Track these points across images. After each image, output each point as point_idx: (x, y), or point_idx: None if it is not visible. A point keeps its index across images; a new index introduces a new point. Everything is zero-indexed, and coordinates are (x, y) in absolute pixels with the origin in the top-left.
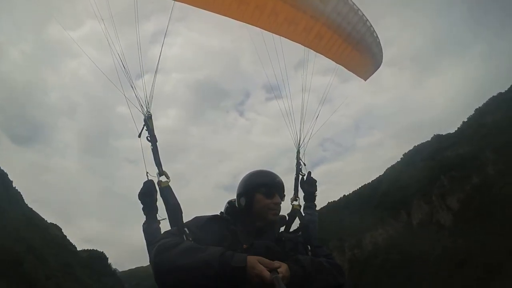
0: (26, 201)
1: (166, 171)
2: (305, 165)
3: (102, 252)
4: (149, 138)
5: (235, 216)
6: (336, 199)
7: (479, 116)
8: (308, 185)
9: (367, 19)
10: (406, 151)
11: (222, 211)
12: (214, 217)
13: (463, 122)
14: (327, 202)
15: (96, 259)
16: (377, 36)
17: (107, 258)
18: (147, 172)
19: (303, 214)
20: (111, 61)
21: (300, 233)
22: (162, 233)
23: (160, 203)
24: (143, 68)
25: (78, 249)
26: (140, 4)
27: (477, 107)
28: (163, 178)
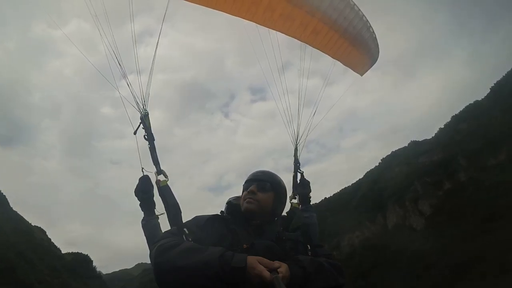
0: (11, 205)
1: (164, 170)
2: (299, 164)
3: (87, 255)
4: (146, 136)
5: (235, 215)
6: (318, 201)
7: (455, 123)
8: (302, 187)
9: (364, 15)
10: (384, 156)
11: (223, 210)
12: (214, 216)
13: (440, 128)
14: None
15: (81, 262)
16: (373, 31)
17: (92, 261)
18: (142, 168)
19: (303, 218)
20: (99, 60)
21: (299, 231)
22: (162, 232)
23: (157, 199)
24: (138, 65)
25: (63, 252)
26: (123, 5)
27: (454, 114)
28: (161, 177)
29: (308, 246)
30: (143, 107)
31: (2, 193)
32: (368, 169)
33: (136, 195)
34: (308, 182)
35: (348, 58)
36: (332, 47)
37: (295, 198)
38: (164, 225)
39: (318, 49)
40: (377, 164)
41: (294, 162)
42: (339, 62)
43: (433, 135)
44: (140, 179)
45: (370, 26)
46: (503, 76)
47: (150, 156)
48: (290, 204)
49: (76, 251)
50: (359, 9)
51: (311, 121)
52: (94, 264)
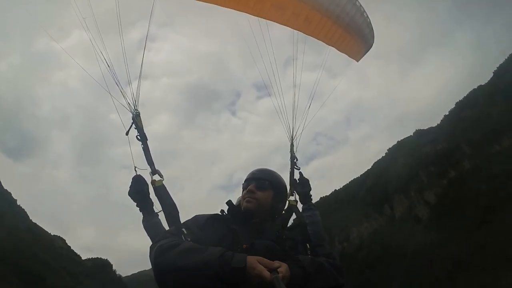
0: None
1: (159, 169)
2: (297, 160)
3: (106, 259)
4: (138, 137)
5: (236, 215)
6: (327, 194)
7: (459, 110)
8: (302, 186)
9: (357, 0)
10: (390, 146)
11: (223, 209)
12: (214, 216)
13: (444, 115)
14: (319, 197)
15: (101, 267)
16: (367, 16)
17: (112, 265)
18: (135, 167)
19: (304, 216)
20: (97, 68)
21: (297, 230)
22: (162, 233)
23: (153, 197)
24: (127, 63)
25: (82, 258)
26: (123, 11)
27: (458, 101)
28: (156, 177)
29: (307, 245)
30: (134, 107)
31: (21, 207)
32: (376, 160)
33: (130, 197)
34: (307, 180)
35: (342, 45)
36: (326, 34)
37: (292, 195)
38: (164, 224)
39: (312, 36)
40: (384, 155)
41: (291, 158)
42: (334, 49)
43: (439, 122)
44: (133, 178)
45: (364, 11)
46: (505, 59)
47: (144, 157)
48: (287, 202)
49: (95, 257)
50: None
51: (307, 114)
52: (113, 268)
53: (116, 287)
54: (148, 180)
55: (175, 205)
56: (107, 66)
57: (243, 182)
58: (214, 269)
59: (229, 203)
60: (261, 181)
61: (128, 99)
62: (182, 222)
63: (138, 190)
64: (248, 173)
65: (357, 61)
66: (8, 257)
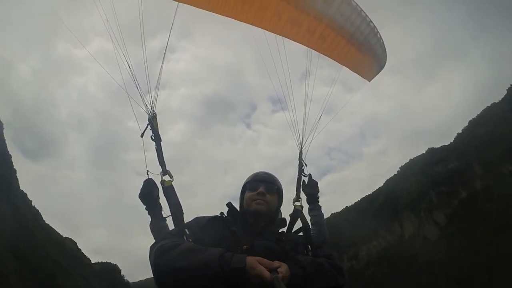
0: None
1: (169, 170)
2: (306, 165)
3: (115, 264)
4: (153, 137)
5: (236, 216)
6: (338, 211)
7: (472, 128)
8: (310, 188)
9: (371, 20)
10: (403, 164)
11: (223, 211)
12: (215, 217)
13: (458, 134)
14: (330, 214)
15: (109, 271)
16: (380, 37)
17: (120, 270)
18: (147, 171)
19: (309, 217)
20: (117, 73)
21: (301, 233)
22: (162, 234)
23: (162, 202)
24: (147, 69)
25: (92, 261)
26: (144, 21)
27: (471, 119)
28: (166, 178)
29: (309, 246)
30: (151, 109)
31: (36, 208)
32: (388, 177)
33: (140, 199)
34: (316, 183)
35: (355, 64)
36: (339, 52)
37: (298, 201)
38: (172, 227)
39: (325, 54)
40: (396, 173)
41: (299, 166)
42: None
43: (452, 140)
44: (144, 182)
45: (378, 32)
46: None
47: (157, 157)
48: (293, 206)
49: (104, 260)
50: (366, 15)
51: (317, 124)
52: (122, 273)
53: None
54: (159, 182)
55: (180, 205)
56: (129, 69)
57: (246, 182)
58: (214, 269)
59: (229, 205)
60: (269, 185)
61: (146, 101)
62: (185, 223)
63: (148, 193)
64: (252, 174)
65: (369, 81)
66: (24, 255)
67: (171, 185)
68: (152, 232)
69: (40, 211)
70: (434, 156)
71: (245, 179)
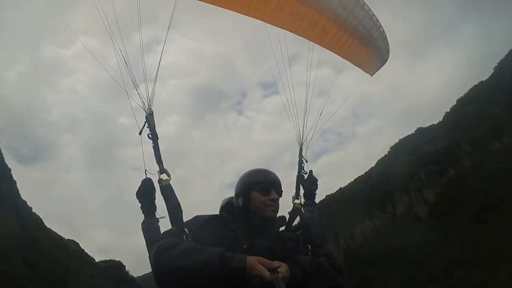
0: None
1: (167, 169)
2: (307, 161)
3: (119, 260)
4: (150, 135)
5: (235, 215)
6: (333, 192)
7: (460, 107)
8: (309, 183)
9: (374, 14)
10: (393, 144)
11: (222, 211)
12: (214, 216)
13: (446, 112)
14: (325, 195)
15: (114, 268)
16: (383, 31)
17: (125, 266)
18: (145, 170)
19: (304, 211)
20: (108, 71)
21: (300, 231)
22: (162, 233)
23: (158, 201)
24: (144, 66)
25: (96, 260)
26: (129, 16)
27: (459, 97)
28: (164, 176)
29: (309, 246)
30: (148, 106)
31: (36, 214)
32: (379, 158)
33: (137, 198)
34: (316, 179)
35: (357, 58)
36: (341, 46)
37: (297, 199)
38: (164, 228)
39: (327, 48)
40: (386, 153)
41: (299, 163)
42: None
43: (441, 119)
44: (143, 181)
45: (381, 25)
46: (505, 55)
47: (154, 155)
48: (292, 204)
49: (108, 258)
50: (369, 8)
51: (317, 122)
52: (126, 269)
53: (129, 287)
54: (157, 180)
55: (179, 204)
56: (125, 66)
57: (255, 181)
58: (214, 269)
59: (229, 204)
60: (278, 188)
61: (143, 99)
62: (184, 222)
63: (145, 192)
64: (260, 173)
65: (371, 75)
66: (33, 262)
67: (169, 184)
68: (143, 232)
69: (40, 216)
70: (423, 136)
71: (249, 175)
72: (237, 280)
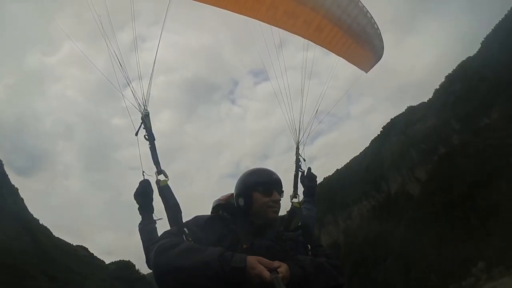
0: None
1: (164, 170)
2: (304, 160)
3: (129, 260)
4: (146, 136)
5: (235, 215)
6: (331, 174)
7: (448, 83)
8: (309, 180)
9: (368, 11)
10: (385, 124)
11: (219, 211)
12: (214, 216)
13: (435, 89)
14: (323, 178)
15: (125, 268)
16: (378, 28)
17: (135, 265)
18: (143, 171)
19: (302, 208)
20: (98, 73)
21: (300, 231)
22: (161, 233)
23: (156, 203)
24: (139, 67)
25: (107, 263)
26: (112, 16)
27: (447, 74)
28: (161, 177)
29: (308, 246)
30: (144, 107)
31: (44, 225)
32: (374, 136)
33: (135, 199)
34: (315, 176)
35: (352, 55)
36: (336, 44)
37: (296, 197)
38: (162, 229)
39: (322, 46)
40: (379, 133)
41: (296, 161)
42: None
43: (431, 96)
44: (141, 183)
45: (375, 22)
46: (492, 29)
47: (151, 156)
48: (291, 204)
49: (117, 259)
50: (364, 6)
51: (313, 120)
52: (137, 267)
53: (141, 285)
54: (155, 182)
55: (178, 205)
56: (120, 67)
57: (257, 181)
58: (214, 269)
59: (228, 204)
60: (280, 188)
61: (138, 100)
62: (183, 222)
63: (143, 193)
64: (260, 173)
65: (366, 72)
66: (50, 274)
67: (167, 184)
68: (140, 232)
69: (48, 227)
70: (413, 115)
71: (250, 175)
72: (237, 280)
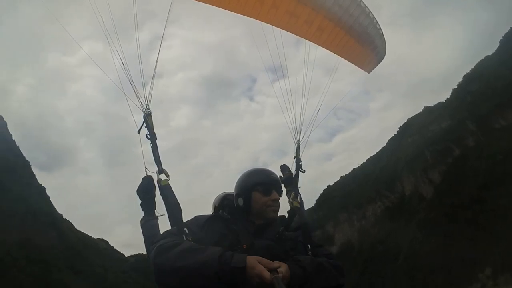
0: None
1: (165, 169)
2: (301, 162)
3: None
4: (148, 135)
5: (235, 215)
6: (347, 173)
7: (466, 83)
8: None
9: (370, 11)
10: (402, 124)
11: (220, 210)
12: (214, 216)
13: (453, 89)
14: (339, 177)
15: (143, 261)
16: (380, 28)
17: None
18: (145, 168)
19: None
20: (112, 73)
21: (300, 231)
22: (162, 232)
23: (158, 199)
24: (142, 66)
25: (126, 256)
26: (131, 14)
27: (465, 73)
28: (162, 176)
29: (309, 246)
30: (146, 106)
31: (67, 219)
32: (390, 137)
33: (138, 195)
34: (296, 174)
35: (354, 56)
36: (337, 44)
37: (296, 198)
38: (163, 226)
39: (323, 46)
40: (396, 133)
41: (296, 161)
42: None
43: (449, 96)
44: (143, 179)
45: (377, 23)
46: (510, 27)
47: (152, 155)
48: (291, 203)
49: (136, 253)
50: (366, 6)
51: (315, 118)
52: None
53: None
54: (156, 181)
55: (178, 204)
56: (122, 67)
57: (257, 182)
58: (213, 269)
59: (228, 204)
60: (279, 188)
61: (141, 99)
62: (183, 222)
63: (145, 190)
64: (260, 173)
65: (368, 72)
66: (75, 268)
67: (168, 184)
68: (142, 228)
69: (71, 221)
70: (429, 115)
71: (250, 175)
72: (237, 280)
